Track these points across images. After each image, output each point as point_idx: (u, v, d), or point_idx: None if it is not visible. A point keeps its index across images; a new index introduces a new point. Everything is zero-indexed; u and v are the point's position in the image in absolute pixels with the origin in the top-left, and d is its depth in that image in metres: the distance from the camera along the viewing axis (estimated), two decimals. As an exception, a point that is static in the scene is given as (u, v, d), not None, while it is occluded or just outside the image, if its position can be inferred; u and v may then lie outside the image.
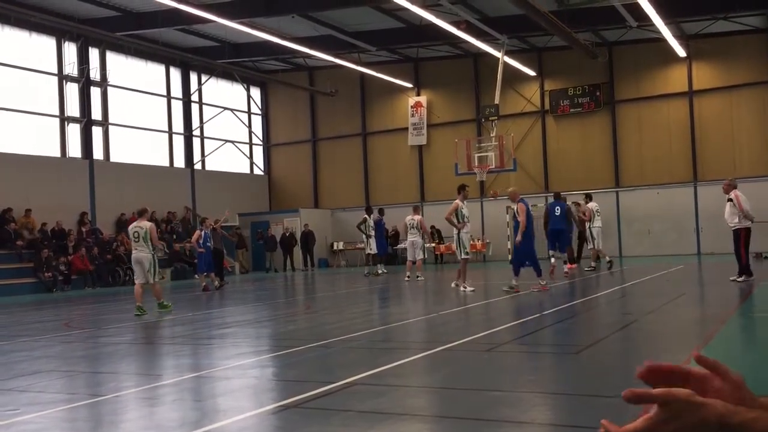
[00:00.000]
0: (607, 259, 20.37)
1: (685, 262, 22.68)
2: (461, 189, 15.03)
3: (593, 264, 20.22)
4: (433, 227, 31.19)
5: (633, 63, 29.58)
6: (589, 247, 20.51)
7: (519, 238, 13.89)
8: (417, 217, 20.01)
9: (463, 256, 14.65)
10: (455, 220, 14.60)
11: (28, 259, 23.57)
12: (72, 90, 27.45)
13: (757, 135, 27.80)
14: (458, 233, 14.71)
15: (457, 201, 14.78)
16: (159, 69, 31.56)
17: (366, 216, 22.66)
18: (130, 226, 13.65)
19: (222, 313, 13.38)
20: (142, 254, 12.93)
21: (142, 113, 30.43)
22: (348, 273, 27.15)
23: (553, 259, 18.85)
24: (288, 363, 7.27)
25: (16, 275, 22.98)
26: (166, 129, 31.81)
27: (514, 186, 20.61)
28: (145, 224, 13.18)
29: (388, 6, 23.55)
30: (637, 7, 21.31)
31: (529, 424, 4.54)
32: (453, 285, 14.89)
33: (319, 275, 27.00)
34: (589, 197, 21.05)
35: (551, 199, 21.65)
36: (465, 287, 14.29)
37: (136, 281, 13.12)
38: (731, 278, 13.94)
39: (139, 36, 26.80)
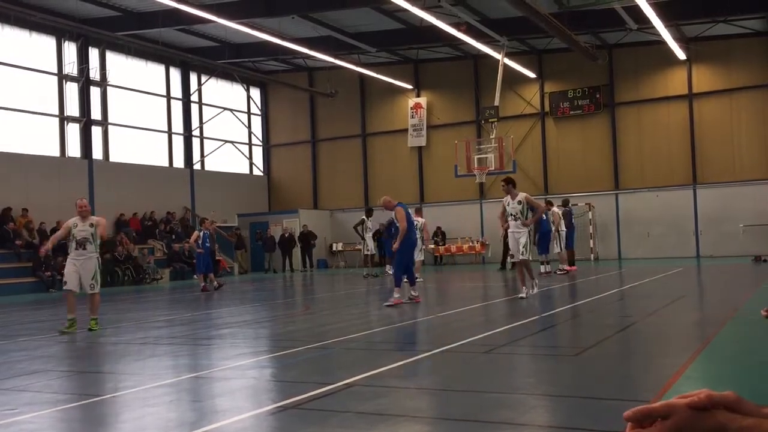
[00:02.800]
0: (560, 266, 20.55)
1: (685, 265, 22.68)
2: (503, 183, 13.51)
3: (565, 267, 20.43)
4: (438, 228, 31.33)
5: (633, 65, 29.59)
6: (556, 251, 20.66)
7: (397, 245, 12.58)
8: (421, 220, 19.92)
9: (514, 259, 13.36)
10: (503, 220, 13.36)
11: (27, 258, 23.56)
12: (72, 90, 27.45)
13: (757, 138, 27.80)
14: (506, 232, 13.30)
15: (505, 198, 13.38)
16: (159, 69, 31.56)
17: (364, 217, 22.63)
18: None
19: (221, 314, 13.36)
20: None
21: (142, 113, 30.42)
22: (347, 274, 27.13)
23: (542, 266, 19.92)
24: (286, 364, 7.26)
25: (15, 275, 22.98)
26: (166, 129, 31.80)
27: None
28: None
29: (388, 7, 23.56)
30: (638, 9, 21.32)
31: (528, 426, 4.53)
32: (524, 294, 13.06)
33: (318, 276, 26.98)
34: (550, 203, 21.64)
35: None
36: (523, 291, 13.01)
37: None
38: None
39: (139, 36, 26.79)
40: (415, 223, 19.98)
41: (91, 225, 10.70)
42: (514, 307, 11.99)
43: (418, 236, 19.72)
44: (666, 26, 23.52)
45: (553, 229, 20.41)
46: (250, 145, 36.62)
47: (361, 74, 32.04)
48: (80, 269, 10.55)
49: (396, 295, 12.46)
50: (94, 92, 28.34)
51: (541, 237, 19.89)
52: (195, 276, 22.94)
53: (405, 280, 12.75)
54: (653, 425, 0.91)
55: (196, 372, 6.89)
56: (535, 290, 13.19)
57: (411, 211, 13.74)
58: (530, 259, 13.15)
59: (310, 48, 26.99)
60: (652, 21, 22.33)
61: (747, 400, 0.91)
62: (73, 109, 27.36)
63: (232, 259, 30.80)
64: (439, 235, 31.55)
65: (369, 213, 22.87)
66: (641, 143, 29.58)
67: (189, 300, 17.39)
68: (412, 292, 12.60)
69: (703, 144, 28.58)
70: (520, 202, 13.01)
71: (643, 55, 29.16)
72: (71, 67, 27.43)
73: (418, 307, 11.98)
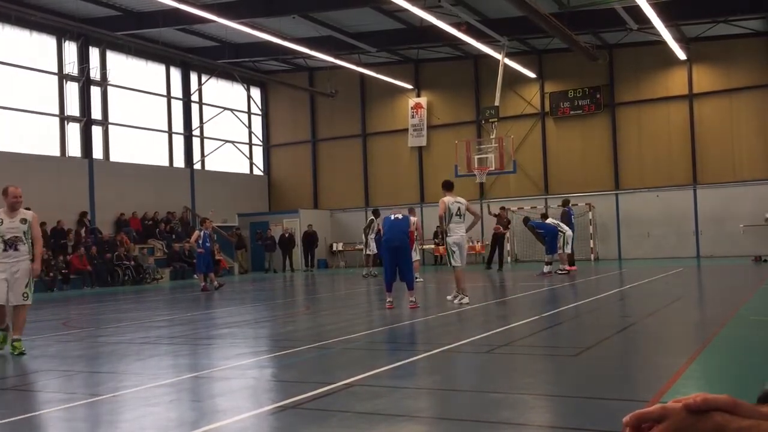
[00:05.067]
0: (561, 266, 20.60)
1: (685, 265, 22.69)
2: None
3: (565, 267, 20.50)
4: (438, 228, 31.33)
5: (633, 65, 29.58)
6: (558, 252, 20.72)
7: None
8: (413, 219, 19.88)
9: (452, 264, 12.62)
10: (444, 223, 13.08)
11: (27, 258, 23.48)
12: (72, 89, 27.45)
13: (757, 138, 27.79)
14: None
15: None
16: (159, 69, 31.56)
17: (373, 218, 22.64)
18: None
19: (221, 314, 13.37)
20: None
21: (142, 113, 30.42)
22: (347, 274, 27.13)
23: (546, 266, 20.29)
24: (286, 364, 7.27)
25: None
26: (166, 129, 31.80)
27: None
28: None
29: (389, 7, 23.55)
30: (638, 9, 21.32)
31: (528, 426, 4.53)
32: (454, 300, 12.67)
33: (318, 276, 26.99)
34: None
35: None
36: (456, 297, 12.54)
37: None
38: None
39: (140, 35, 26.80)
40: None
41: (23, 221, 8.55)
42: (514, 308, 12.00)
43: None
44: (666, 26, 23.52)
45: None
46: (250, 144, 36.62)
47: (361, 74, 32.04)
48: (9, 276, 8.34)
49: (387, 299, 12.19)
50: (95, 92, 28.33)
51: (549, 237, 20.13)
52: (195, 276, 22.94)
53: (403, 281, 12.34)
54: (650, 429, 0.91)
55: (197, 372, 6.90)
56: (458, 302, 12.31)
57: (405, 211, 13.52)
58: (462, 267, 12.56)
59: (311, 48, 26.99)
60: (653, 21, 22.32)
61: (743, 401, 0.92)
62: (73, 108, 27.36)
63: (232, 258, 30.81)
64: (439, 236, 31.52)
65: (376, 214, 22.86)
66: (641, 143, 29.57)
67: (189, 300, 17.39)
68: (410, 298, 12.12)
69: (703, 144, 28.57)
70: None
71: (643, 55, 29.14)
72: (72, 66, 27.43)
73: (417, 308, 11.97)
